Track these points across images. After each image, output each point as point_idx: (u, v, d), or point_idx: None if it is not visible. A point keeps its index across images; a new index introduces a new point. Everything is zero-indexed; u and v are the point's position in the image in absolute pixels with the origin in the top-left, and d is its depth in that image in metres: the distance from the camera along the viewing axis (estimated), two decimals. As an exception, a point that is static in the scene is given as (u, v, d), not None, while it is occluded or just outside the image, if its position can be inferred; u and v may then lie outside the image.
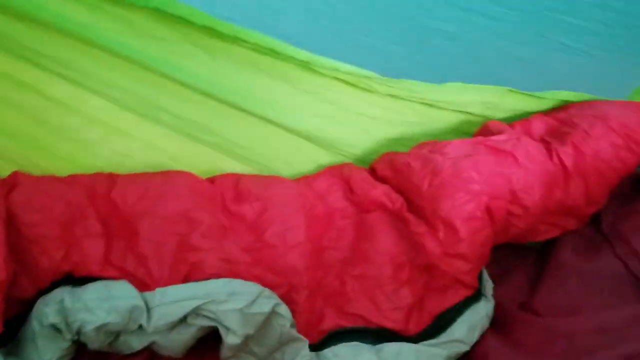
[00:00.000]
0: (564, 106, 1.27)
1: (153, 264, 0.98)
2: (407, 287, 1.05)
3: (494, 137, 1.15)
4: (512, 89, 1.26)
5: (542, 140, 1.19)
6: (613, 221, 1.14)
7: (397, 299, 1.04)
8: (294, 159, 1.26)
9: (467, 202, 1.04)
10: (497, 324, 1.06)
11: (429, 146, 1.18)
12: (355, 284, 1.06)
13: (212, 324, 0.92)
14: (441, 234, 1.03)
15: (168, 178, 1.10)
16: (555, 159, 1.13)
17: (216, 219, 1.06)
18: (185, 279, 0.98)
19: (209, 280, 0.97)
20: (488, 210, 1.05)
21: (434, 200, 1.06)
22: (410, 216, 1.09)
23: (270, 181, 1.18)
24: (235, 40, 1.07)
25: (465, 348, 1.00)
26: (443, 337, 1.00)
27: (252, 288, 0.98)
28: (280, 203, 1.11)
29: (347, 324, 1.04)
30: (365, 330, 1.02)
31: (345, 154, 1.28)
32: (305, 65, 1.14)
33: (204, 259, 0.99)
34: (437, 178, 1.08)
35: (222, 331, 0.93)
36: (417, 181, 1.10)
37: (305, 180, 1.22)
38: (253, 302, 0.94)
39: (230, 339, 0.92)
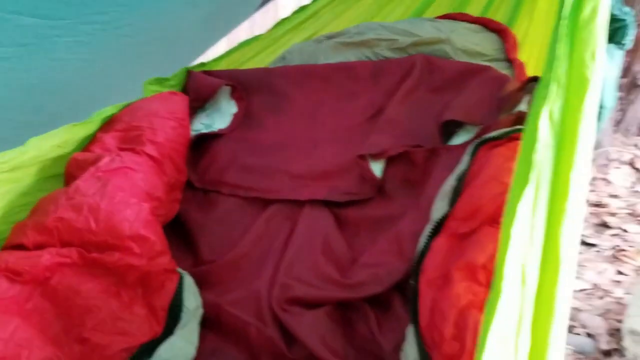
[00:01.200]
0: (112, 119, 1.53)
1: None
2: (135, 305, 1.19)
3: (101, 164, 1.34)
4: (74, 124, 1.44)
5: (122, 149, 1.45)
6: (200, 175, 1.55)
7: (134, 317, 1.17)
8: None
9: (138, 213, 1.24)
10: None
11: (61, 197, 1.25)
12: (96, 335, 1.13)
13: None
14: (136, 249, 1.21)
15: None
16: (145, 156, 1.43)
17: None
18: None
19: None
20: (152, 211, 1.28)
21: (110, 231, 1.21)
22: (95, 255, 1.20)
23: None
24: None
25: (202, 310, 1.25)
26: (185, 318, 1.22)
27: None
28: None
29: None
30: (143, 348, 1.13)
31: None
32: None
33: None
34: (100, 213, 1.22)
35: None
36: (84, 226, 1.20)
37: None
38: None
39: None
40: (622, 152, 2.88)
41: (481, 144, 1.21)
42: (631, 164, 2.79)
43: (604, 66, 1.10)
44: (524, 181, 0.73)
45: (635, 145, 2.95)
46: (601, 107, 1.16)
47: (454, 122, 1.43)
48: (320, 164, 1.49)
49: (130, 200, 1.26)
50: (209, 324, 1.25)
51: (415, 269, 1.12)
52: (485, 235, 1.05)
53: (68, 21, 1.42)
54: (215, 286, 1.31)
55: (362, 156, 1.44)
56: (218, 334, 1.24)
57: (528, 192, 0.72)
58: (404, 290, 1.21)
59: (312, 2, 1.88)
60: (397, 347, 1.11)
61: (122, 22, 1.56)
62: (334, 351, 1.12)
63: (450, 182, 1.19)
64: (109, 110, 1.54)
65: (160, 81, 1.72)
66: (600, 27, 0.82)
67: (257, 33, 1.91)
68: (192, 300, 1.24)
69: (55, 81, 1.58)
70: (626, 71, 2.89)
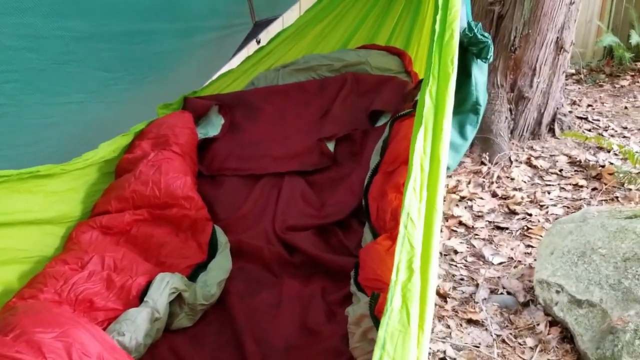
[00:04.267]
0: (143, 131, 2.17)
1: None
2: (188, 241, 1.82)
3: (150, 157, 1.97)
4: (122, 135, 2.08)
5: (153, 150, 2.08)
6: (207, 166, 2.22)
7: (189, 248, 1.80)
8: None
9: (185, 183, 1.91)
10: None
11: (130, 178, 1.88)
12: (169, 259, 1.75)
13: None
14: (187, 205, 1.86)
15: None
16: (172, 153, 2.07)
17: None
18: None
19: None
20: (192, 182, 1.95)
21: (169, 195, 1.86)
22: (159, 212, 1.84)
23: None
24: None
25: (229, 244, 1.88)
26: (220, 247, 1.84)
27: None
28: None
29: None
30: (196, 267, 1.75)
31: None
32: None
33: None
34: (161, 184, 1.86)
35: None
36: (151, 193, 1.84)
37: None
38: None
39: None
40: (519, 154, 3.41)
41: (395, 120, 1.98)
42: (528, 162, 3.34)
43: (476, 75, 1.74)
44: (418, 125, 1.42)
45: (530, 147, 3.53)
46: (478, 104, 1.77)
47: (377, 111, 2.21)
48: (291, 148, 2.20)
49: (178, 175, 1.92)
50: (234, 253, 1.86)
51: (364, 194, 1.85)
52: (403, 169, 1.78)
53: (119, 73, 2.06)
54: (233, 232, 1.95)
55: (320, 139, 2.18)
56: (241, 258, 1.85)
57: (421, 130, 1.42)
58: (358, 216, 1.93)
59: (267, 43, 2.63)
60: (357, 246, 1.82)
61: (149, 74, 2.23)
62: (320, 250, 1.81)
63: (379, 144, 1.95)
64: (139, 126, 2.19)
65: (166, 106, 2.39)
66: (455, 44, 1.48)
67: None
68: (222, 237, 1.89)
69: (103, 119, 2.19)
70: (512, 86, 3.43)
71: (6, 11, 1.51)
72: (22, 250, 1.62)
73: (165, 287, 1.52)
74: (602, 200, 2.88)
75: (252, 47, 2.92)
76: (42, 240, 1.70)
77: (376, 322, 1.26)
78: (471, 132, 1.85)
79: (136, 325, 1.39)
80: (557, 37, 3.33)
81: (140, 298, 1.51)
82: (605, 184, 3.00)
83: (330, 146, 2.19)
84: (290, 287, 1.73)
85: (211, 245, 1.85)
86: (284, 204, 2.01)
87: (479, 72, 1.75)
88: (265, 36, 2.97)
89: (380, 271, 1.45)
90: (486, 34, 1.66)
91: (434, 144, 1.42)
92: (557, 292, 1.97)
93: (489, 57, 1.66)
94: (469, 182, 3.09)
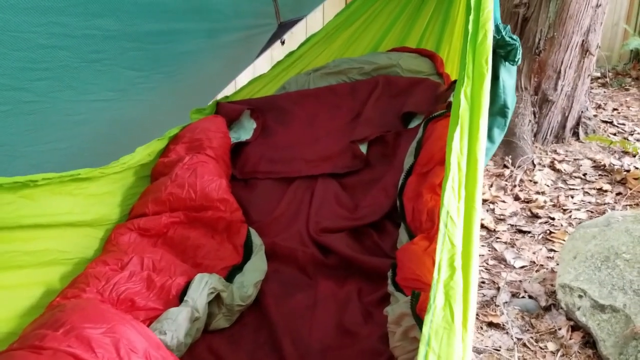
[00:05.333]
0: (177, 136, 2.20)
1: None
2: (224, 243, 1.84)
3: (185, 161, 1.99)
4: (157, 139, 2.11)
5: (188, 154, 2.11)
6: (240, 170, 2.24)
7: (225, 250, 1.81)
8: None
9: (220, 185, 1.92)
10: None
11: (166, 181, 1.90)
12: (206, 260, 1.77)
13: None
14: (222, 207, 1.88)
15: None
16: (206, 157, 2.09)
17: None
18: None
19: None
20: (227, 184, 1.96)
21: (205, 197, 1.88)
22: (195, 214, 1.86)
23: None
24: None
25: (264, 246, 1.90)
26: (255, 249, 1.87)
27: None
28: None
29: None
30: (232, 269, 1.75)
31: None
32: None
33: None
34: (197, 187, 1.88)
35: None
36: (187, 195, 1.87)
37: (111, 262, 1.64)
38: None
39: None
40: (543, 157, 3.38)
41: (429, 121, 1.98)
42: (551, 166, 3.31)
43: (504, 78, 1.73)
44: (455, 125, 1.42)
45: (554, 151, 3.49)
46: (506, 107, 1.74)
47: (409, 113, 2.20)
48: (323, 151, 2.21)
49: (213, 178, 1.94)
50: (268, 255, 1.86)
51: (399, 195, 1.85)
52: (438, 169, 1.78)
53: (147, 72, 2.09)
54: (267, 234, 1.96)
55: (353, 142, 2.18)
56: (276, 260, 1.86)
57: (457, 129, 1.41)
58: (392, 218, 1.92)
59: (297, 47, 2.64)
60: (392, 247, 1.81)
61: (175, 73, 2.26)
62: (355, 251, 1.81)
63: (413, 145, 1.95)
64: (174, 130, 2.22)
65: (199, 110, 2.42)
66: (489, 45, 1.48)
67: (257, 73, 2.66)
68: (257, 240, 1.90)
69: (130, 117, 2.23)
70: (537, 89, 3.40)
71: (40, 10, 1.56)
72: (63, 252, 1.65)
73: (204, 287, 1.53)
74: (626, 205, 2.84)
75: (276, 47, 2.95)
76: (81, 242, 1.73)
77: (418, 321, 1.26)
78: (499, 135, 1.83)
79: (177, 324, 1.41)
80: (583, 40, 3.31)
81: (180, 298, 1.52)
82: (630, 189, 2.96)
83: (363, 148, 2.19)
84: (326, 288, 1.73)
85: (246, 247, 1.85)
86: (317, 206, 2.02)
87: (507, 75, 1.74)
88: (289, 37, 3.00)
89: (419, 271, 1.44)
90: (514, 36, 1.64)
91: (470, 143, 1.41)
92: (580, 296, 1.96)
93: (517, 59, 1.65)
94: (491, 185, 3.08)
